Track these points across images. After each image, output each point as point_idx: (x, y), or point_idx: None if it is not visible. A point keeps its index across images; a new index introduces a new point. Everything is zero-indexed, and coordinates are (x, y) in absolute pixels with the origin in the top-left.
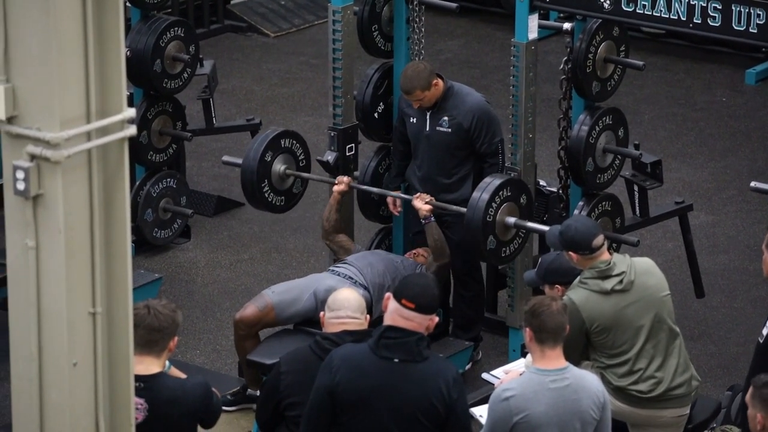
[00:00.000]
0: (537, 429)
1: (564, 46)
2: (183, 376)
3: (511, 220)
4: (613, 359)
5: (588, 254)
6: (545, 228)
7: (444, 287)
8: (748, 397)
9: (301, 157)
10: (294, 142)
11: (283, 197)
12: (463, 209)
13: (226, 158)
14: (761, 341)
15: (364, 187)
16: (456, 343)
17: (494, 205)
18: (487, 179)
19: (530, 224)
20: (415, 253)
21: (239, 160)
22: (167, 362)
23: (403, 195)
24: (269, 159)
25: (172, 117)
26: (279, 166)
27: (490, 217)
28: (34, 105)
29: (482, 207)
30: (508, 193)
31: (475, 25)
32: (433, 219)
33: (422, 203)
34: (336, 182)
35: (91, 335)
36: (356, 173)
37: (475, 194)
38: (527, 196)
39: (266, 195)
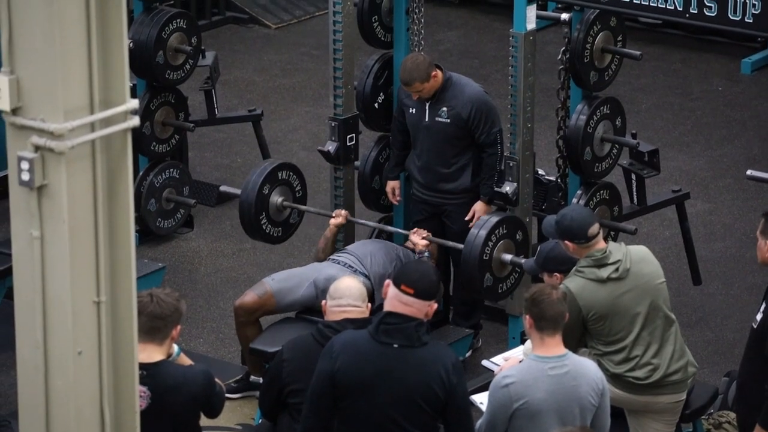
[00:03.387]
0: (536, 415)
1: (562, 36)
2: (190, 362)
3: (508, 257)
4: (610, 346)
5: (584, 243)
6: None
7: (444, 275)
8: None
9: (298, 188)
10: (291, 173)
11: (280, 228)
12: (460, 246)
13: (223, 188)
14: (755, 326)
15: (361, 221)
16: (456, 331)
17: (491, 243)
18: (484, 216)
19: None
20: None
21: (237, 191)
22: (176, 347)
23: (401, 230)
24: (267, 192)
25: (174, 108)
26: (276, 198)
27: (486, 255)
28: (38, 96)
29: (479, 244)
30: (505, 231)
31: (474, 16)
32: (427, 254)
33: (419, 238)
34: (333, 215)
35: (96, 324)
36: (357, 163)
37: (473, 231)
38: (523, 232)
39: (264, 227)
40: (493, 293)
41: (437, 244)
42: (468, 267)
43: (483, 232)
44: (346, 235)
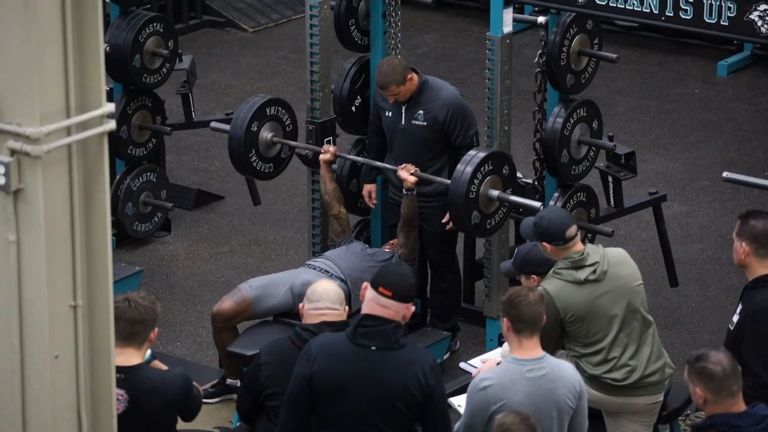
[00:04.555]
0: None
1: (538, 39)
2: (164, 368)
3: (494, 193)
4: (588, 348)
5: (561, 245)
6: (528, 201)
7: (421, 277)
8: (685, 375)
9: (288, 122)
10: (280, 108)
11: (271, 164)
12: (447, 181)
13: (214, 124)
14: (731, 328)
15: (350, 156)
16: (434, 333)
17: (477, 180)
18: (471, 152)
19: (513, 198)
20: (392, 244)
21: (227, 127)
22: (149, 353)
23: (388, 165)
24: (255, 129)
25: (151, 112)
26: (266, 134)
27: (473, 194)
28: (14, 100)
29: (466, 181)
30: (490, 167)
31: (450, 19)
32: (415, 192)
33: (407, 174)
34: (322, 151)
35: (72, 328)
36: (334, 167)
37: (459, 167)
38: (509, 166)
39: (254, 164)
40: (481, 230)
41: (425, 179)
42: (455, 205)
43: (469, 169)
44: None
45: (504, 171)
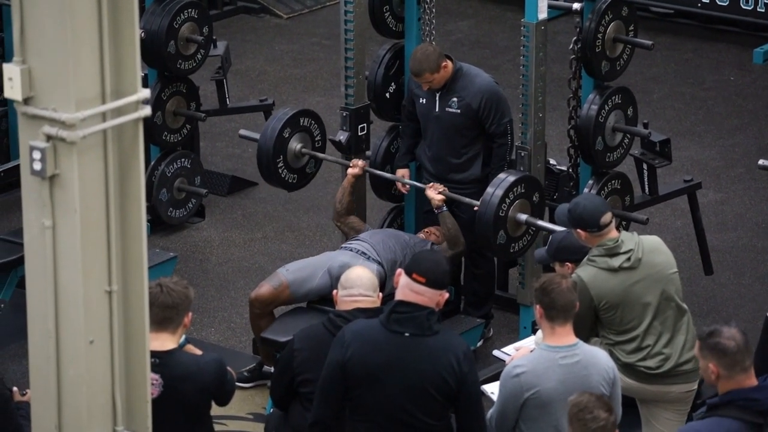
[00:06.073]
0: (548, 405)
1: (573, 26)
2: (198, 352)
3: (523, 216)
4: (622, 336)
5: (596, 232)
6: (556, 227)
7: (455, 264)
8: (696, 351)
9: (318, 137)
10: (312, 122)
11: (296, 175)
12: (476, 202)
13: (242, 132)
14: None
15: (378, 172)
16: (467, 321)
17: (507, 201)
18: (501, 175)
19: (541, 222)
20: (427, 232)
21: (256, 135)
22: (183, 337)
23: (417, 183)
24: (287, 136)
25: (186, 98)
26: (295, 144)
27: (502, 212)
28: (50, 86)
29: (495, 202)
30: (522, 190)
31: (485, 6)
32: (445, 208)
33: (435, 193)
34: (351, 165)
35: (107, 313)
36: (368, 153)
37: (489, 189)
38: (540, 194)
39: (280, 171)
40: (505, 251)
41: (453, 199)
42: (482, 223)
43: (499, 191)
44: (357, 213)
45: (534, 198)
